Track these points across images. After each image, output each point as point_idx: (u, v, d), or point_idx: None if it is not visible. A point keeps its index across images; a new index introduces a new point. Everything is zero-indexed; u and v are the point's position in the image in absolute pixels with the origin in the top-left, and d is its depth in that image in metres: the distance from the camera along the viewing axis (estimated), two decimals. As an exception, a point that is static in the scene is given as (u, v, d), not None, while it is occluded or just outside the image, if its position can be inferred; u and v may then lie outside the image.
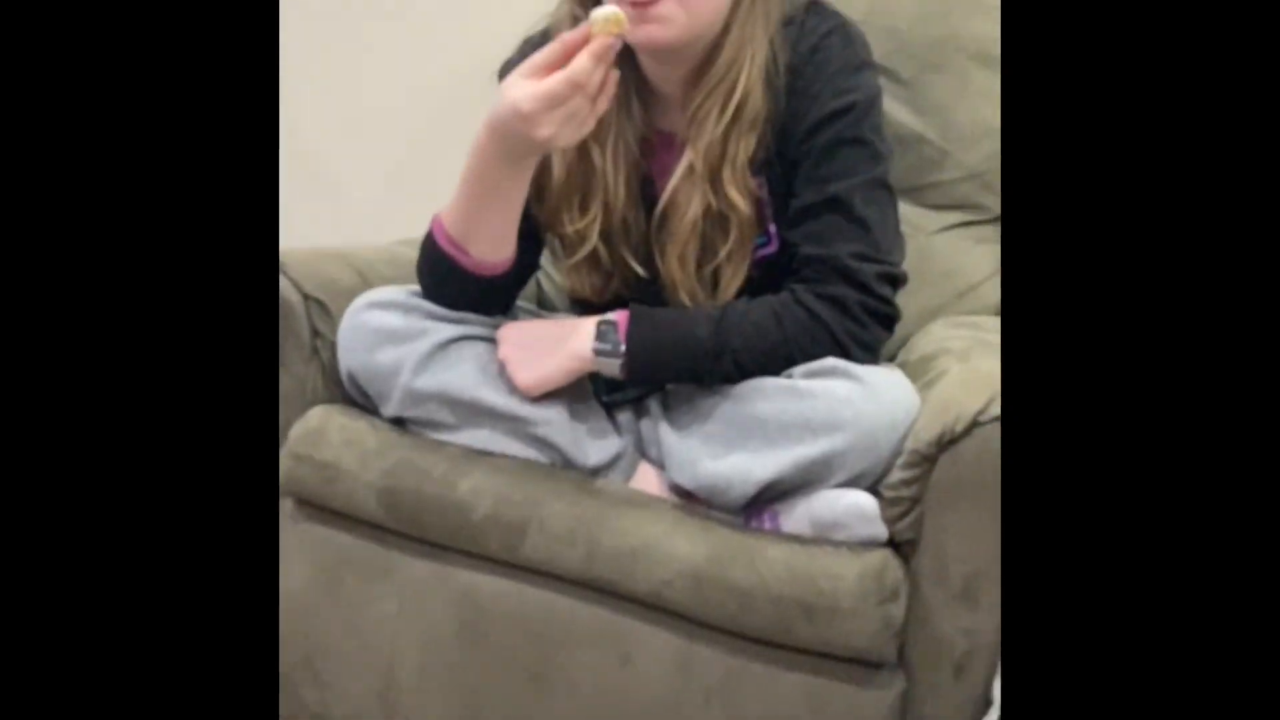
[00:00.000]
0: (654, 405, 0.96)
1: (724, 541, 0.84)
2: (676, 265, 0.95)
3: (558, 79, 0.79)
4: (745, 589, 0.82)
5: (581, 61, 0.79)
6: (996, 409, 0.78)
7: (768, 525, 0.87)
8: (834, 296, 0.89)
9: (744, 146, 0.92)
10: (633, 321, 0.90)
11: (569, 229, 0.97)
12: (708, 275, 0.95)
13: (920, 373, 0.93)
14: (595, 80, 0.80)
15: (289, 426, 0.95)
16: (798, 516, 0.86)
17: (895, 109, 1.11)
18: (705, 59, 0.92)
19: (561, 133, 0.82)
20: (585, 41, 0.80)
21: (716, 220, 0.94)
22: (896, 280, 0.92)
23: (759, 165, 0.93)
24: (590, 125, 0.84)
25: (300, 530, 0.94)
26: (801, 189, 0.92)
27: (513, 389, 0.90)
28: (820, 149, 0.91)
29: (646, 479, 0.94)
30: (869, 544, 0.83)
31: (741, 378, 0.88)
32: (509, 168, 0.87)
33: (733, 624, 0.82)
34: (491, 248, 0.92)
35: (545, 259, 1.09)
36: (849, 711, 0.81)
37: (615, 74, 0.83)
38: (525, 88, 0.80)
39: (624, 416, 1.00)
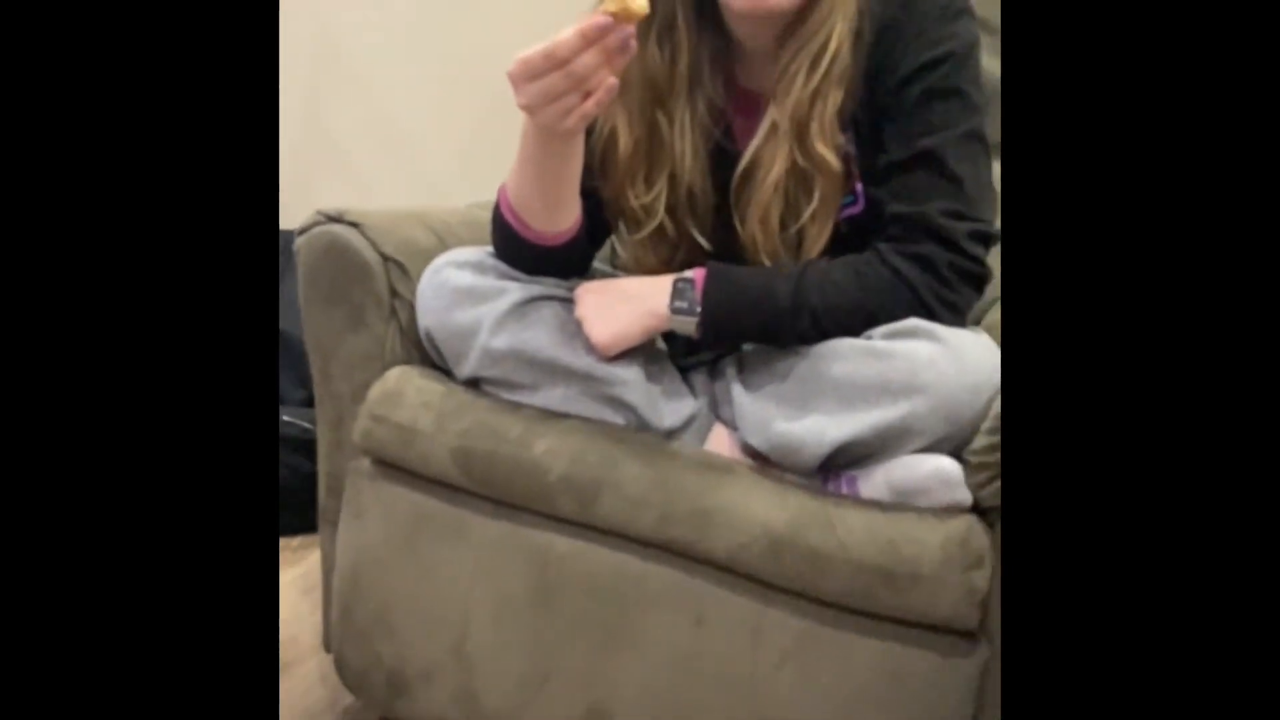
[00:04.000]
0: (729, 367, 0.94)
1: (802, 505, 0.82)
2: (758, 227, 0.92)
3: (536, 48, 0.73)
4: (823, 554, 0.80)
5: (565, 35, 0.73)
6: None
7: (845, 490, 0.85)
8: (922, 255, 0.85)
9: (832, 101, 0.88)
10: (710, 279, 0.88)
11: (634, 203, 0.95)
12: (791, 237, 0.93)
13: (1010, 336, 0.88)
14: (583, 63, 0.73)
15: (368, 387, 0.96)
16: (876, 482, 0.83)
17: (992, 60, 1.06)
18: (798, 15, 0.88)
19: (541, 110, 0.76)
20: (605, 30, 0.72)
21: (801, 179, 0.91)
22: (989, 239, 0.88)
23: (846, 120, 0.90)
24: (584, 115, 0.77)
25: (377, 489, 0.96)
26: (891, 144, 0.89)
27: (589, 349, 0.90)
28: (912, 101, 0.87)
29: (720, 441, 0.92)
30: (953, 510, 0.80)
31: (820, 338, 0.86)
32: (541, 140, 0.83)
33: (809, 589, 0.81)
34: (548, 220, 0.90)
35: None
36: (928, 681, 0.78)
37: (614, 70, 0.75)
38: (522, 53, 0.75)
39: (699, 379, 0.98)
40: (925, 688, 0.79)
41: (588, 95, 0.76)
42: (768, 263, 0.92)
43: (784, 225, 0.91)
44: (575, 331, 0.90)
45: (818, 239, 0.91)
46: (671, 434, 0.93)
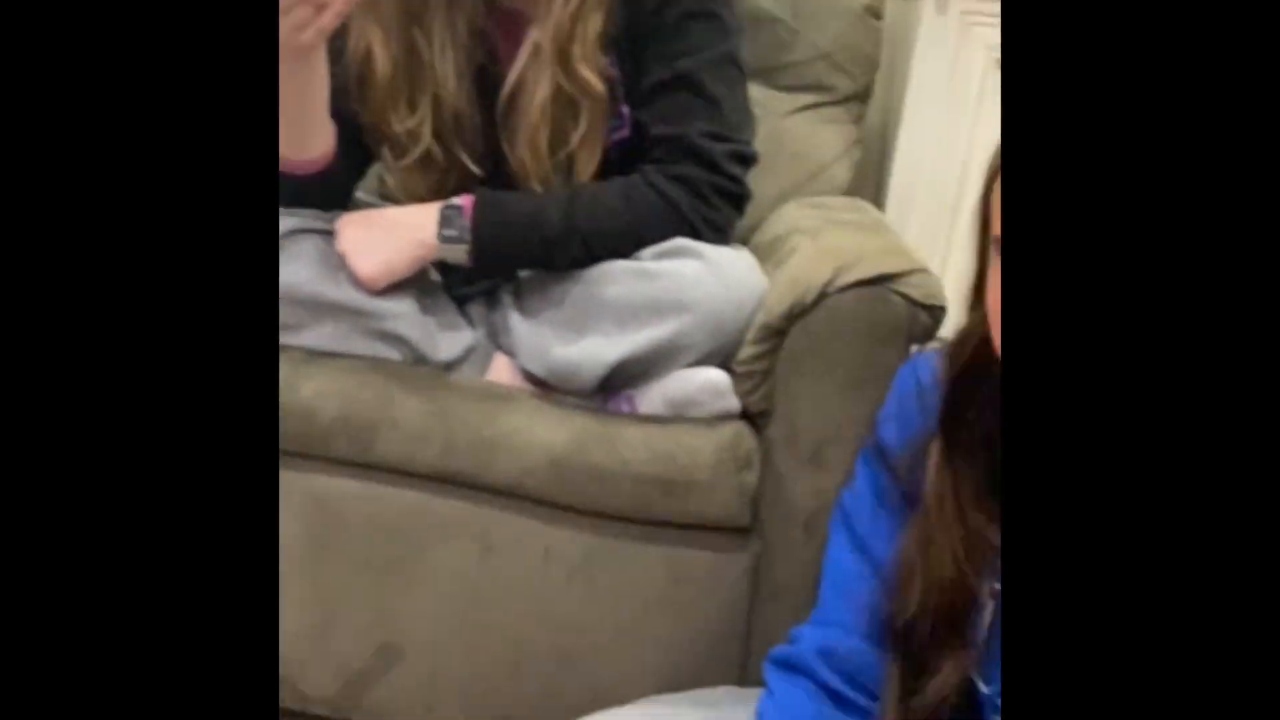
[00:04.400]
0: (505, 295, 0.93)
1: (583, 426, 0.84)
2: (527, 151, 0.91)
3: None
4: (606, 470, 0.82)
5: None
6: (844, 279, 0.79)
7: (624, 408, 0.87)
8: (684, 176, 0.87)
9: (593, 23, 0.88)
10: (479, 206, 0.86)
11: (398, 128, 0.91)
12: (562, 162, 0.92)
13: (771, 253, 0.93)
14: None
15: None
16: (652, 398, 0.86)
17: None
18: None
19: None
20: None
21: (567, 103, 0.90)
22: (747, 159, 0.91)
23: (608, 43, 0.90)
24: (320, 29, 0.73)
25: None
26: (651, 66, 0.90)
27: (356, 282, 0.86)
28: (670, 24, 0.88)
29: (500, 370, 0.91)
30: (723, 418, 0.84)
31: (592, 261, 0.87)
32: (284, 58, 0.76)
33: (593, 506, 0.83)
34: (296, 146, 0.84)
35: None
36: (707, 576, 0.83)
37: None
38: None
39: (476, 309, 0.97)
40: (705, 584, 0.83)
41: (323, 9, 0.72)
42: (539, 189, 0.91)
43: (553, 150, 0.90)
44: (339, 265, 0.86)
45: (588, 164, 0.91)
46: (450, 366, 0.91)
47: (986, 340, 0.59)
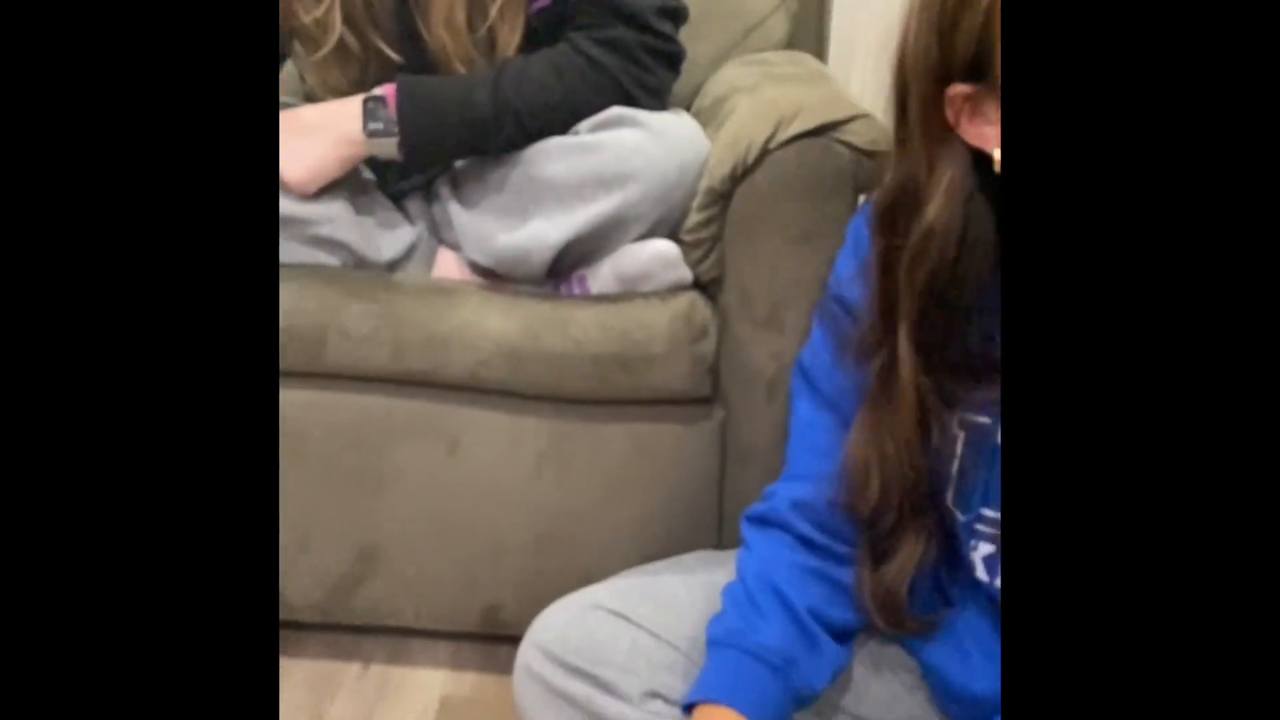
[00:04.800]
0: (443, 187, 0.90)
1: (534, 313, 0.82)
2: (445, 30, 0.86)
3: None
4: (562, 355, 0.81)
5: None
6: (784, 134, 0.77)
7: (576, 290, 0.85)
8: (613, 40, 0.83)
9: None
10: (402, 94, 0.82)
11: (306, 19, 0.85)
12: (483, 38, 0.87)
13: (713, 115, 0.90)
14: None
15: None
16: (604, 276, 0.84)
17: None
18: None
19: None
20: None
21: None
22: (677, 14, 0.87)
23: None
24: None
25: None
26: None
27: (285, 189, 0.82)
28: None
29: (446, 264, 0.89)
30: (676, 289, 0.83)
31: (527, 141, 0.83)
32: None
33: (554, 391, 0.82)
34: None
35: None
36: (674, 448, 0.83)
37: None
38: None
39: (415, 204, 0.94)
40: (673, 456, 0.83)
41: None
42: (462, 70, 0.87)
43: (472, 25, 0.86)
44: (263, 172, 0.82)
45: (511, 37, 0.86)
46: (393, 266, 0.88)
47: (915, 197, 0.57)
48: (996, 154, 0.54)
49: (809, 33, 1.17)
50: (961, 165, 0.55)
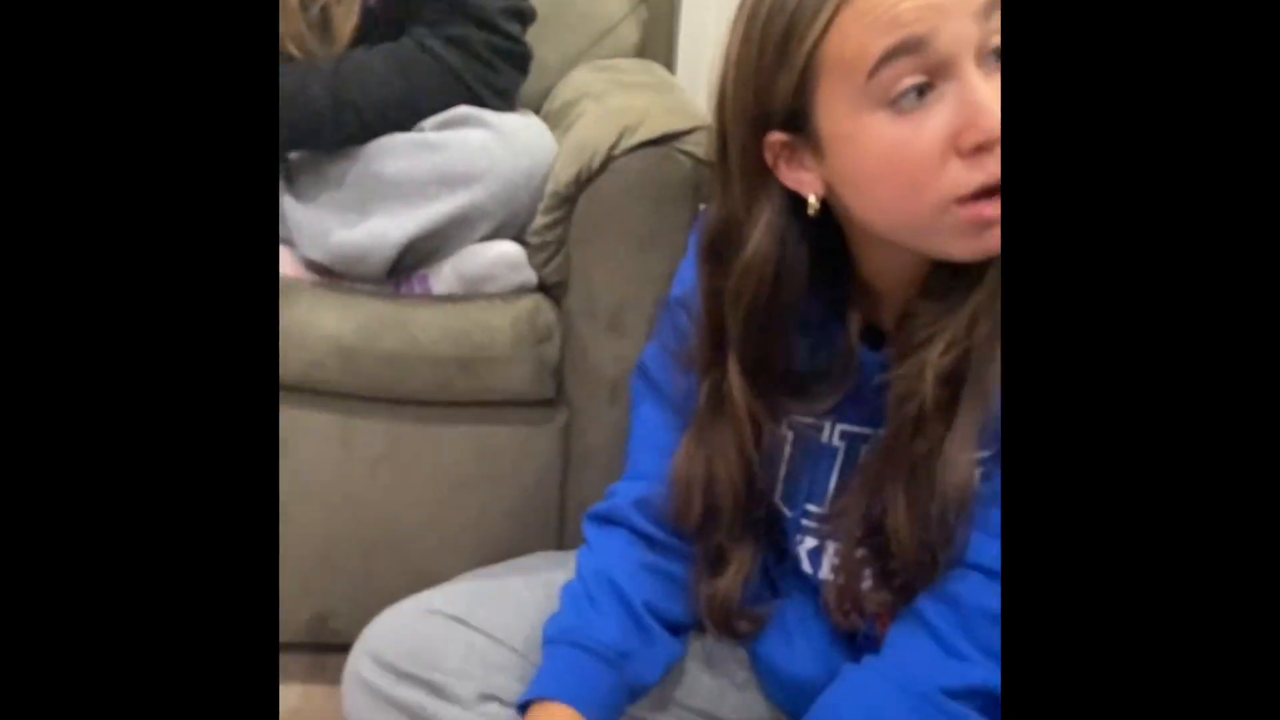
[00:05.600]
0: (278, 180, 0.86)
1: (372, 312, 0.80)
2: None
3: None
4: (400, 356, 0.79)
5: None
6: (628, 141, 0.78)
7: (417, 290, 0.83)
8: (459, 38, 0.82)
9: None
10: (230, 81, 0.78)
11: None
12: (315, 17, 0.84)
13: (561, 119, 0.90)
14: None
15: None
16: (446, 276, 0.83)
17: None
18: None
19: None
20: None
21: None
22: (525, 15, 0.87)
23: None
24: None
25: None
26: None
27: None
28: None
29: (280, 261, 0.85)
30: (520, 291, 0.82)
31: (367, 136, 0.81)
32: None
33: (390, 393, 0.80)
34: None
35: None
36: (516, 450, 0.83)
37: None
38: None
39: (245, 196, 0.89)
40: (514, 458, 0.83)
41: None
42: (295, 52, 0.83)
43: (304, 7, 0.82)
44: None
45: (346, 21, 0.84)
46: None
47: (736, 235, 0.58)
48: (812, 198, 0.57)
49: (659, 41, 1.20)
50: (778, 206, 0.57)
